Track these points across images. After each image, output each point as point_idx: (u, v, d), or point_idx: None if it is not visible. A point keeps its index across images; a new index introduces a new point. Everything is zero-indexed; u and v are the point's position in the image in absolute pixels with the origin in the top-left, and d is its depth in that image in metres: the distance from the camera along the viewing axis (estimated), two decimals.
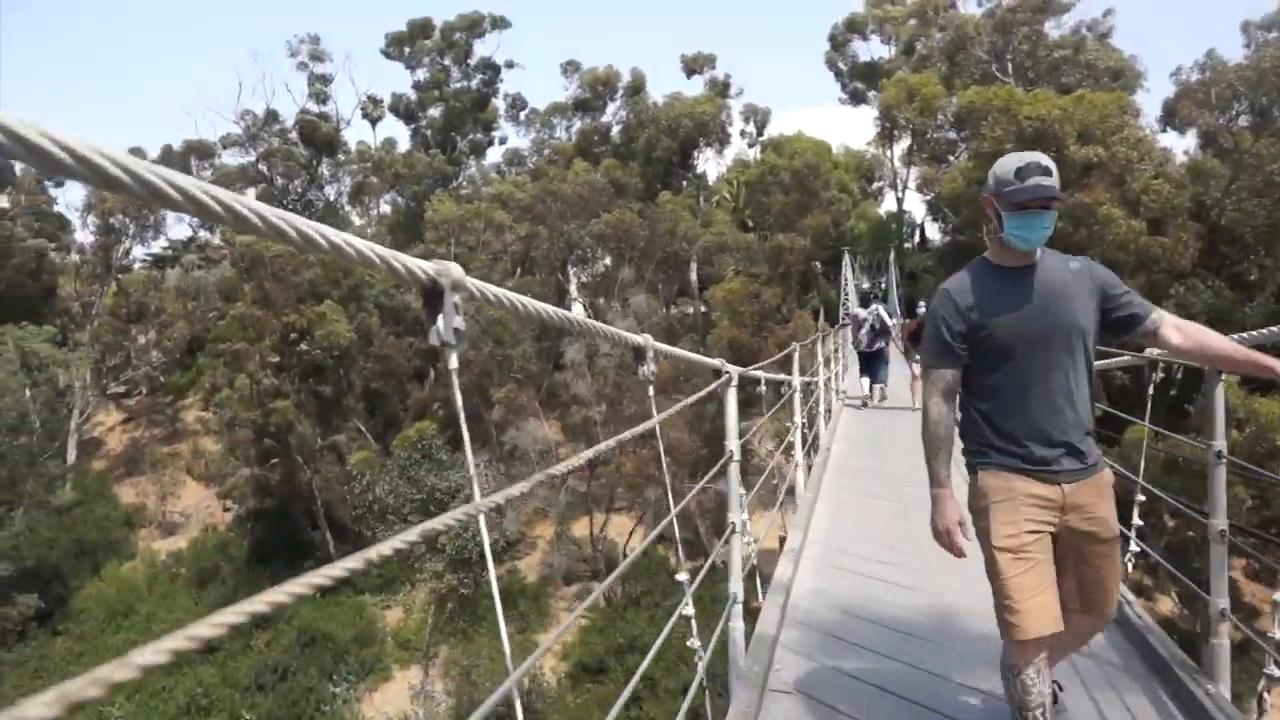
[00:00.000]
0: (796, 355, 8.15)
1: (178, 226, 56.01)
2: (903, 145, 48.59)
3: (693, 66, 53.51)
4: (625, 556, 25.20)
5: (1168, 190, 27.11)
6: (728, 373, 3.86)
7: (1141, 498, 4.50)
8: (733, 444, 3.71)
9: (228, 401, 32.53)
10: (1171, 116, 35.37)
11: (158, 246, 56.75)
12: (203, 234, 57.35)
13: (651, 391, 2.83)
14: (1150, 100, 37.50)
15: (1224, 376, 3.56)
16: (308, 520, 32.03)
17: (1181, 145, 36.50)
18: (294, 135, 54.97)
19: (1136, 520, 4.44)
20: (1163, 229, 26.79)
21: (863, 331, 14.41)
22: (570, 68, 54.62)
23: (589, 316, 25.00)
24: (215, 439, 36.69)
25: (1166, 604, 20.65)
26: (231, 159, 55.20)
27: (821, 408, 10.65)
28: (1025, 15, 41.44)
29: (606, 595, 24.45)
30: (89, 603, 29.74)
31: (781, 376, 7.79)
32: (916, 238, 54.67)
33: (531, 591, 27.02)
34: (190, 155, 54.45)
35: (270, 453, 31.85)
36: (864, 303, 15.53)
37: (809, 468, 8.20)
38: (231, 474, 33.35)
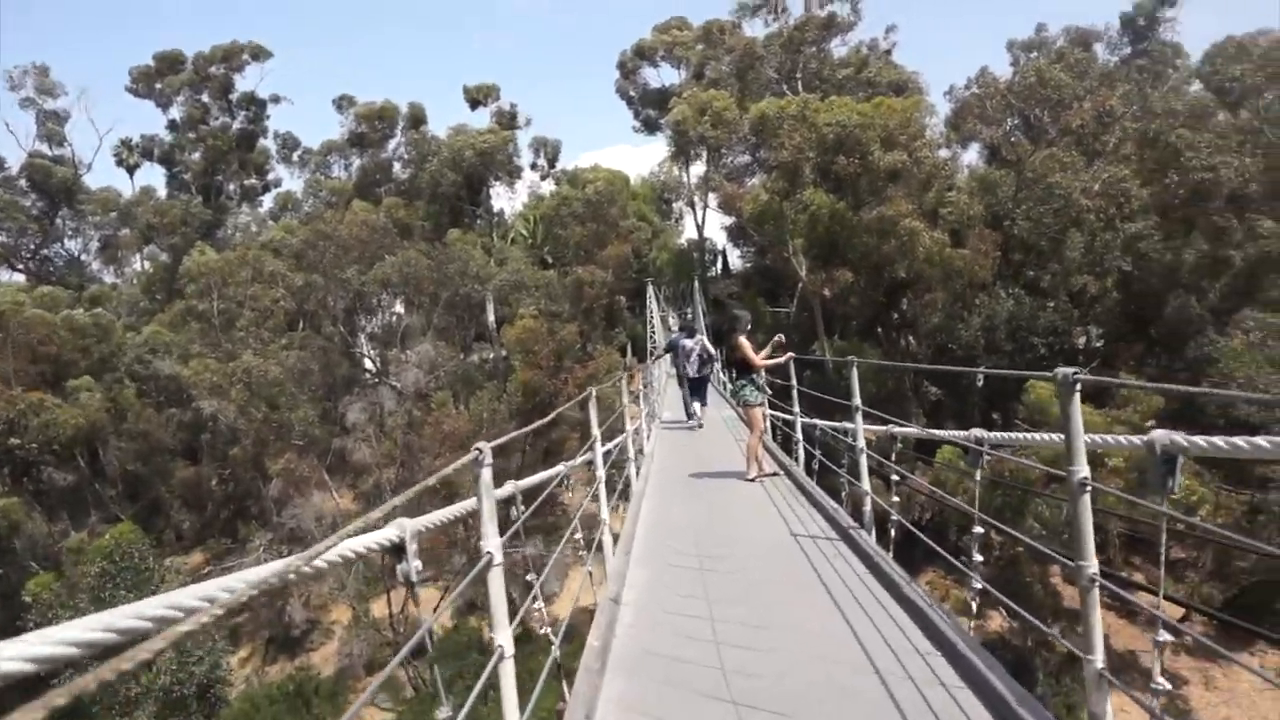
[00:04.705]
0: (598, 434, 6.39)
1: None
2: (699, 170, 49.76)
3: (476, 97, 52.75)
4: (431, 633, 23.73)
5: (963, 201, 28.61)
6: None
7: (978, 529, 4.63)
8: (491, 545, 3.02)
9: None
10: (955, 130, 37.75)
11: None
12: None
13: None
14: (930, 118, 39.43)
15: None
16: None
17: (964, 160, 39.30)
18: (21, 182, 49.71)
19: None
20: (961, 240, 28.22)
21: (690, 359, 15.21)
22: (345, 102, 52.78)
23: (377, 369, 23.60)
24: None
25: (996, 620, 21.32)
26: None
27: (630, 466, 8.85)
28: (812, 34, 43.40)
29: (413, 683, 22.93)
30: None
31: (559, 468, 5.62)
32: (719, 265, 56.08)
33: (328, 689, 24.75)
34: None
35: None
36: (689, 333, 16.05)
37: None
38: None
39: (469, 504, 3.07)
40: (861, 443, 7.16)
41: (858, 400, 7.15)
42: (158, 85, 53.71)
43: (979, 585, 4.47)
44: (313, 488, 28.66)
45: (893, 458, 6.29)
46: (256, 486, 30.43)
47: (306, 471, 28.74)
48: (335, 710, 23.74)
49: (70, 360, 33.07)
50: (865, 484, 6.86)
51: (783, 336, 10.90)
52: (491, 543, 2.95)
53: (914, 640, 4.42)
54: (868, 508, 6.75)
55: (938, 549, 5.31)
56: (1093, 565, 3.10)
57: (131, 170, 55.86)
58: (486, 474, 2.94)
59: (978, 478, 4.68)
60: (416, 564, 2.21)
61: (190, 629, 1.04)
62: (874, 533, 6.62)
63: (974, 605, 4.56)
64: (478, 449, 2.91)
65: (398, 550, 2.19)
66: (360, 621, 26.13)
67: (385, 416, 31.38)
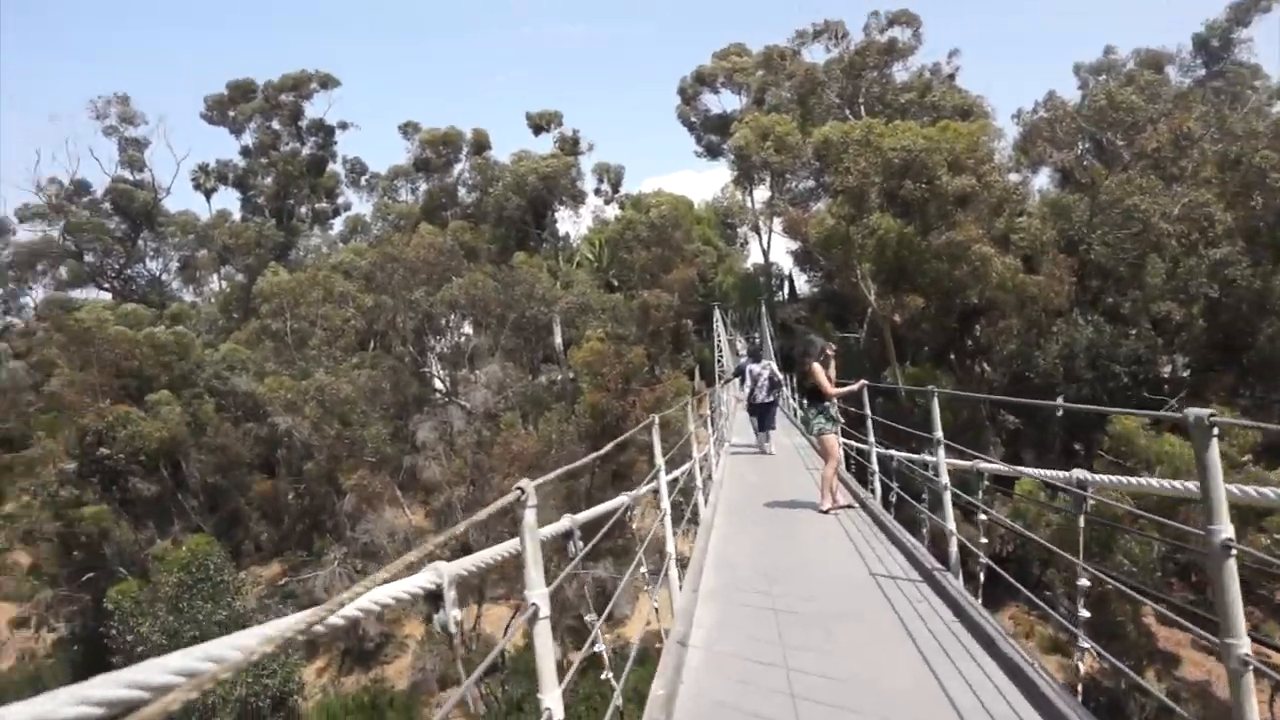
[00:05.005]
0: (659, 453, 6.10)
1: None
2: (763, 195, 49.65)
3: (539, 124, 53.27)
4: (503, 652, 23.68)
5: (1035, 226, 28.04)
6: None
7: (1084, 581, 4.24)
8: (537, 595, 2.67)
9: (24, 512, 29.48)
10: (1024, 154, 37.15)
11: None
12: (14, 319, 53.03)
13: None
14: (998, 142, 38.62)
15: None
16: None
17: (1034, 184, 38.63)
18: (106, 206, 51.50)
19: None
20: (1034, 266, 27.61)
21: (759, 384, 15.13)
22: (410, 128, 53.74)
23: (447, 389, 23.65)
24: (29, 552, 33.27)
25: (1086, 659, 20.57)
26: (29, 233, 51.32)
27: (698, 494, 8.75)
28: (873, 59, 43.15)
29: (484, 698, 22.85)
30: None
31: (622, 499, 5.09)
32: (786, 289, 55.75)
33: (402, 701, 24.82)
34: None
35: (84, 566, 28.78)
36: (755, 358, 16.09)
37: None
38: (29, 597, 30.18)
39: (512, 545, 2.73)
40: (945, 478, 6.57)
41: (939, 433, 6.54)
42: (230, 113, 55.13)
43: (1086, 645, 4.01)
44: (385, 503, 28.91)
45: (979, 495, 5.88)
46: (331, 501, 30.79)
47: (379, 488, 28.98)
48: None
49: (152, 375, 33.80)
50: (950, 522, 6.28)
51: (833, 345, 10.30)
52: (537, 592, 2.59)
53: (1014, 705, 3.94)
54: (954, 548, 6.15)
55: (1026, 593, 5.17)
56: (1244, 644, 2.58)
57: (208, 194, 57.51)
58: (530, 516, 2.61)
59: (1080, 524, 4.25)
60: (455, 613, 1.96)
61: (195, 694, 0.96)
62: (960, 574, 6.11)
63: (1081, 667, 4.09)
64: (519, 489, 2.58)
65: (435, 598, 1.96)
66: (433, 637, 26.16)
67: (455, 435, 31.53)
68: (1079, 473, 4.28)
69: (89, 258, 50.83)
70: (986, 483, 6.20)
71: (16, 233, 51.43)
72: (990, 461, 7.41)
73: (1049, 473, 4.99)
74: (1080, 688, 3.98)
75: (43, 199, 50.47)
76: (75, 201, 51.26)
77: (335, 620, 1.35)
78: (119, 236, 51.37)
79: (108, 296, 49.56)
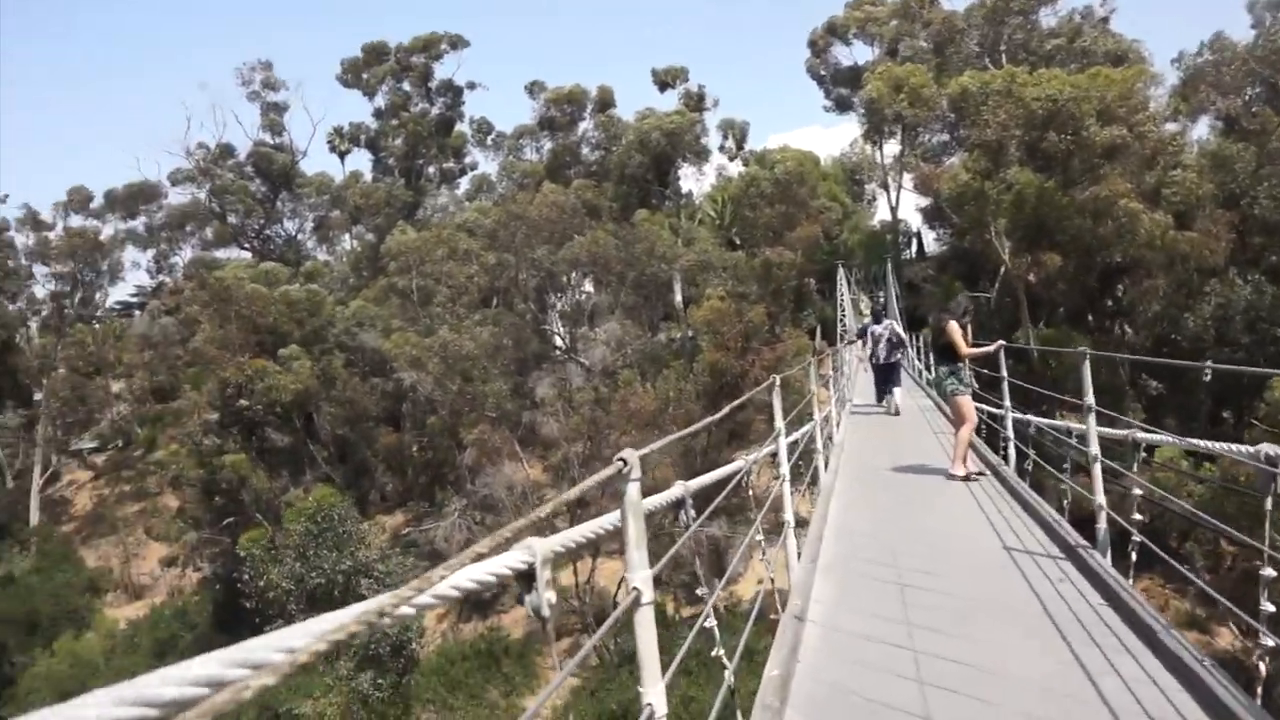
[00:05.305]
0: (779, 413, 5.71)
1: (135, 273, 55.54)
2: (893, 150, 48.03)
3: (664, 80, 52.69)
4: (616, 605, 23.95)
5: (1191, 179, 26.16)
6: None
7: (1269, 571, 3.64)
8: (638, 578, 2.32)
9: (172, 459, 31.52)
10: (1184, 101, 34.61)
11: (124, 293, 57.55)
12: (165, 278, 56.46)
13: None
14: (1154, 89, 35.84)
15: None
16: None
17: (1192, 135, 35.53)
18: (248, 169, 54.17)
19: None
20: (1188, 222, 25.81)
21: (880, 345, 15.10)
22: (535, 88, 54.09)
23: (566, 346, 23.97)
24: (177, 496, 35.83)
25: (1225, 636, 19.42)
26: (179, 196, 54.47)
27: (819, 456, 8.10)
28: (1019, 3, 40.91)
29: (597, 652, 23.23)
30: (37, 682, 27.52)
31: (738, 464, 4.62)
32: (914, 247, 53.99)
33: (516, 650, 25.51)
34: (137, 199, 53.22)
35: (224, 511, 30.69)
36: (877, 319, 16.00)
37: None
38: (176, 538, 32.46)
39: (611, 520, 2.35)
40: (1095, 448, 5.90)
41: (1090, 398, 5.92)
42: (364, 75, 56.85)
43: (1271, 642, 3.44)
44: (504, 458, 29.56)
45: (1134, 468, 5.33)
46: (452, 454, 31.76)
47: (498, 442, 29.64)
48: (524, 670, 24.52)
49: (286, 331, 35.42)
50: (1100, 495, 5.71)
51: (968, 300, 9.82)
52: (639, 575, 2.25)
53: (1181, 707, 3.44)
54: (1103, 524, 5.61)
55: (1184, 571, 5.04)
56: None
57: (342, 156, 59.53)
58: (634, 489, 2.24)
59: (1268, 506, 3.62)
60: (550, 595, 1.67)
61: (269, 682, 0.82)
62: (1109, 552, 5.52)
63: (1263, 667, 3.49)
64: (621, 460, 2.22)
65: (526, 578, 1.68)
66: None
67: (573, 392, 31.94)
68: (1268, 447, 3.75)
69: (232, 219, 53.84)
70: (1143, 454, 5.65)
71: (168, 196, 54.63)
72: (1149, 430, 6.73)
73: (1232, 446, 4.45)
74: (1260, 690, 3.44)
75: (191, 163, 53.57)
76: (220, 165, 54.14)
77: (406, 610, 1.17)
78: (259, 198, 54.12)
79: (248, 256, 52.40)
